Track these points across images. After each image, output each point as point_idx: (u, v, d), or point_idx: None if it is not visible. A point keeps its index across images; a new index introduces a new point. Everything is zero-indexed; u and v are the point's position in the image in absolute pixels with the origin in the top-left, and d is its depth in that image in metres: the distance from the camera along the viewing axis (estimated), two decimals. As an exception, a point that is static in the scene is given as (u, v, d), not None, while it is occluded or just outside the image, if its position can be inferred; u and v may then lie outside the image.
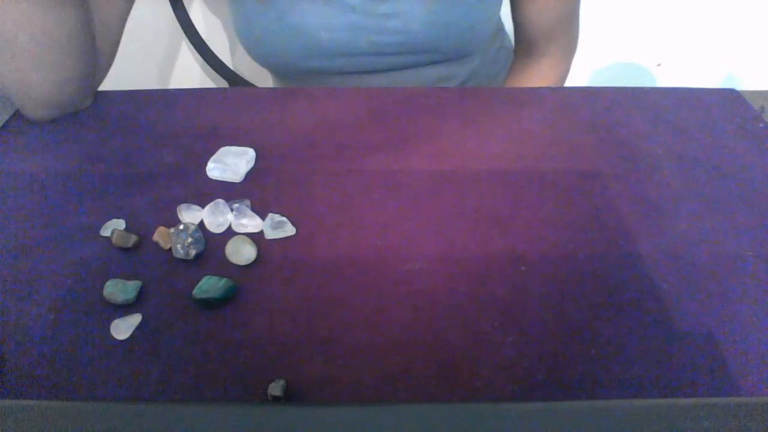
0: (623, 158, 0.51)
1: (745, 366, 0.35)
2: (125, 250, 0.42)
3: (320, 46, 0.66)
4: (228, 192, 0.47)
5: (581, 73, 1.27)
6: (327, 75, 0.71)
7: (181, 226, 0.41)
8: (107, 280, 0.39)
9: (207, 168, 0.48)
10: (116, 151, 0.52)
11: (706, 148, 0.52)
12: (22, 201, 0.46)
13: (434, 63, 0.70)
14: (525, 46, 0.76)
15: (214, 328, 0.37)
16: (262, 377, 0.34)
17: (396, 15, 0.64)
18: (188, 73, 1.09)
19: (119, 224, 0.44)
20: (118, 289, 0.38)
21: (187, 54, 1.07)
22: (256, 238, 0.43)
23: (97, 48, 0.57)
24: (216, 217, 0.44)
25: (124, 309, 0.38)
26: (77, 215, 0.45)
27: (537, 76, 0.76)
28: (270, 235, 0.43)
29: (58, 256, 0.41)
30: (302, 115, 0.56)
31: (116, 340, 0.36)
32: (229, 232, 0.43)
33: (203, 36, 0.99)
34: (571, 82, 0.82)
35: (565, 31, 0.73)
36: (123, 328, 0.36)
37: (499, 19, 0.81)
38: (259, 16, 0.65)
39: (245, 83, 1.04)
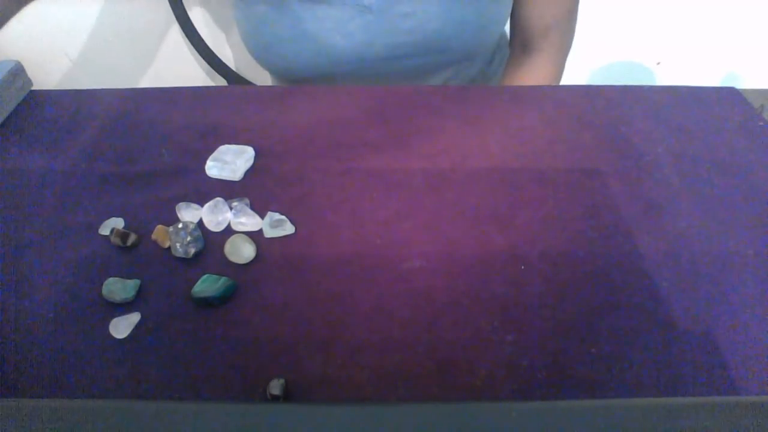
0: (623, 157, 0.50)
1: (744, 366, 0.35)
2: (124, 248, 0.42)
3: (334, 51, 0.65)
4: (227, 190, 0.47)
5: (581, 72, 1.27)
6: (334, 83, 0.70)
7: (180, 225, 0.41)
8: (106, 279, 0.39)
9: (206, 166, 0.48)
10: (115, 150, 0.52)
11: (706, 146, 0.52)
12: (21, 200, 0.46)
13: (443, 66, 0.70)
14: (521, 42, 0.76)
15: (214, 326, 0.37)
16: (261, 376, 0.34)
17: (412, 14, 0.63)
18: (188, 73, 1.09)
19: (118, 223, 0.44)
20: (117, 288, 0.38)
21: (187, 54, 1.06)
22: (255, 236, 0.43)
23: None
24: (215, 215, 0.44)
25: (123, 308, 0.38)
26: (76, 214, 0.45)
27: (534, 72, 0.75)
28: (269, 233, 0.43)
29: (57, 255, 0.41)
30: (301, 113, 0.56)
31: (115, 338, 0.36)
32: (228, 231, 0.43)
33: (203, 36, 0.98)
34: (570, 80, 0.82)
35: (564, 28, 0.73)
36: (122, 327, 0.36)
37: None
38: (272, 23, 0.64)
39: (245, 83, 1.04)
